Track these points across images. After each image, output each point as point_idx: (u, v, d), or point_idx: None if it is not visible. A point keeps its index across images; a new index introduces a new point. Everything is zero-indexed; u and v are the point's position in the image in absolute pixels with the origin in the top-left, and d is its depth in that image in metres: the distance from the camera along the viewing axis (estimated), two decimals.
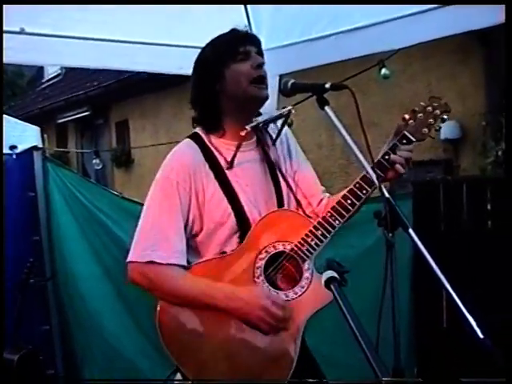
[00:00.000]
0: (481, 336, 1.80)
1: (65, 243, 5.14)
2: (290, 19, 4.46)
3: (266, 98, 2.70)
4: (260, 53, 2.73)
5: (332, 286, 1.92)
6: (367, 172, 2.34)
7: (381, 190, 2.14)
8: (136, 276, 2.60)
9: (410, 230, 2.00)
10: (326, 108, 2.37)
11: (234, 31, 2.74)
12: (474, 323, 1.83)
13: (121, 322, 5.12)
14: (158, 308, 2.58)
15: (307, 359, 2.71)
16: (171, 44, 4.54)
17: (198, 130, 2.76)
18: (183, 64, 4.43)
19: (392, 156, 2.59)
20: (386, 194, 2.10)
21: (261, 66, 2.66)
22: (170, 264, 2.55)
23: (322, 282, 1.96)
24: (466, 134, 8.78)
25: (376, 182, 2.28)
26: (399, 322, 1.92)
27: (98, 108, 16.68)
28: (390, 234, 1.97)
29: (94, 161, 15.77)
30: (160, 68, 4.87)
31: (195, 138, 2.73)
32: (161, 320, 2.56)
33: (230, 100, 2.67)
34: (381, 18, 4.05)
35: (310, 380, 2.69)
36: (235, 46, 2.65)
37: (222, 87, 2.65)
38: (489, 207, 4.34)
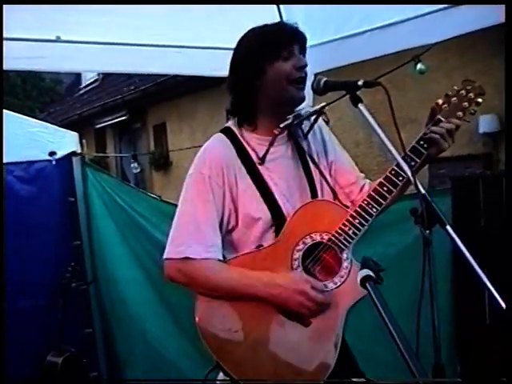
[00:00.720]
0: None
1: (105, 247, 5.19)
2: (323, 17, 4.44)
3: (304, 99, 2.68)
4: (304, 50, 2.70)
5: (368, 285, 1.90)
6: (400, 165, 2.33)
7: (416, 186, 2.13)
8: (173, 273, 2.61)
9: (448, 227, 1.98)
10: (360, 105, 2.36)
11: (281, 25, 2.73)
12: None
13: (163, 325, 5.14)
14: (196, 305, 2.58)
15: (345, 353, 2.68)
16: (205, 46, 4.56)
17: (230, 124, 2.76)
18: (217, 66, 4.45)
19: (432, 128, 2.57)
20: (422, 191, 2.08)
21: (303, 67, 2.63)
22: (206, 258, 2.55)
23: (358, 281, 1.94)
24: (505, 127, 8.68)
25: (409, 173, 2.27)
26: (439, 319, 1.90)
27: (136, 112, 16.76)
28: (427, 231, 1.95)
29: (132, 165, 15.87)
30: (195, 71, 4.90)
31: (227, 132, 2.72)
32: (199, 317, 2.57)
33: (266, 96, 2.65)
34: (414, 13, 4.02)
35: (355, 380, 2.68)
36: (281, 44, 2.61)
37: (261, 83, 2.63)
38: None
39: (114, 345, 5.27)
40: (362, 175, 2.91)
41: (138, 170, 15.70)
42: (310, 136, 2.82)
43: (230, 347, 2.55)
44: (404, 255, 4.35)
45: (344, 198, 2.79)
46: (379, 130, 2.27)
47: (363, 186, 2.84)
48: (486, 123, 8.31)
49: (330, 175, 2.83)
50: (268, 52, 2.61)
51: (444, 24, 3.95)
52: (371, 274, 1.94)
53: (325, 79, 2.55)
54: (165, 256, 2.60)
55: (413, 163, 2.52)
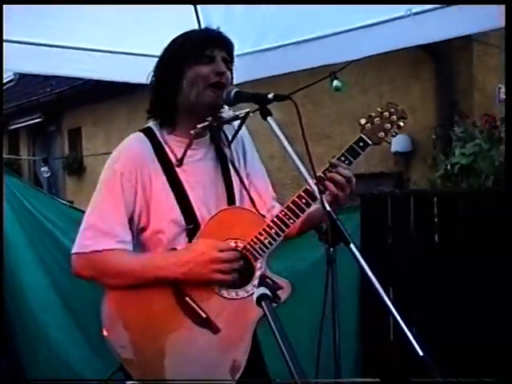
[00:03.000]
0: (420, 353, 1.80)
1: (12, 253, 5.04)
2: (241, 30, 4.43)
3: (222, 105, 2.65)
4: (229, 57, 2.69)
5: (263, 303, 1.89)
6: (308, 184, 2.34)
7: (322, 203, 2.14)
8: (80, 268, 2.58)
9: (352, 245, 2.00)
10: (269, 119, 2.36)
11: (206, 31, 2.73)
12: (413, 341, 1.82)
13: (68, 333, 5.04)
14: (104, 301, 2.55)
15: (256, 357, 2.68)
16: (122, 52, 4.50)
17: (151, 124, 2.73)
18: (134, 72, 4.39)
19: (330, 174, 2.57)
20: (328, 208, 2.10)
21: (222, 73, 2.61)
22: (114, 249, 2.54)
23: (254, 299, 1.94)
24: (417, 148, 8.89)
25: (315, 189, 2.29)
26: (343, 335, 1.92)
27: (51, 115, 16.54)
28: (332, 249, 1.96)
29: (42, 168, 15.62)
30: (111, 76, 4.82)
31: (147, 131, 2.69)
32: (106, 313, 2.54)
33: (185, 98, 2.63)
34: (332, 30, 4.07)
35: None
36: (202, 48, 2.61)
37: (180, 84, 2.63)
38: (436, 220, 4.38)
39: (17, 355, 5.14)
40: (274, 196, 2.93)
41: (49, 174, 15.49)
42: (233, 143, 2.81)
43: (135, 350, 2.52)
44: (314, 270, 4.36)
45: (260, 207, 2.77)
46: (287, 145, 2.27)
47: (273, 206, 2.86)
48: (398, 143, 8.51)
49: (248, 183, 2.83)
50: (188, 55, 2.61)
51: (361, 43, 4.01)
52: (268, 292, 1.93)
53: (236, 90, 2.55)
54: (72, 250, 2.57)
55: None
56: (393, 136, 2.70)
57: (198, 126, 2.62)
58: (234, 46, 2.73)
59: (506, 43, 2.69)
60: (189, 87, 2.61)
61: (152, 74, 2.73)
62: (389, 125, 2.67)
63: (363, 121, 2.66)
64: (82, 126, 16.00)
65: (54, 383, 4.69)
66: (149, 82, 2.73)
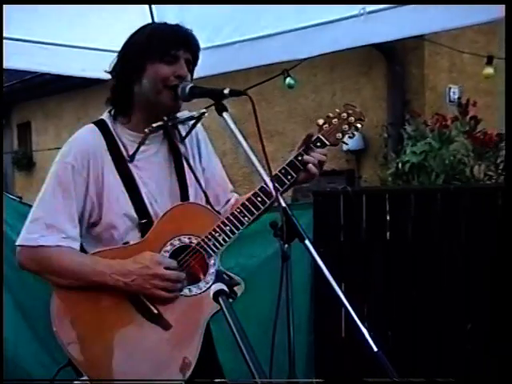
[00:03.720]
0: (375, 349, 1.81)
1: None
2: (195, 25, 4.41)
3: (178, 108, 2.63)
4: (193, 59, 2.65)
5: (220, 299, 1.89)
6: (264, 181, 2.33)
7: (278, 199, 2.14)
8: (25, 260, 2.55)
9: (307, 242, 2.00)
10: (224, 114, 2.34)
11: (176, 28, 2.65)
12: (368, 336, 1.83)
13: (16, 330, 4.97)
14: (53, 296, 2.51)
15: (209, 354, 2.68)
16: (74, 45, 4.44)
17: (104, 116, 2.68)
18: (86, 66, 4.35)
19: (305, 156, 2.61)
20: (283, 204, 2.10)
21: (183, 77, 2.57)
22: (60, 245, 2.50)
23: (210, 295, 1.93)
24: (368, 146, 8.97)
25: (271, 186, 2.26)
26: (296, 332, 1.92)
27: None
28: (286, 245, 1.96)
29: None
30: (62, 69, 4.76)
31: (100, 124, 2.65)
32: (54, 312, 2.50)
33: (142, 94, 2.60)
34: (286, 28, 4.07)
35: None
36: (168, 46, 2.56)
37: (138, 79, 2.59)
38: (387, 218, 4.43)
39: None
40: (231, 188, 2.92)
41: None
42: (186, 141, 2.78)
43: (84, 346, 2.49)
44: (265, 267, 4.38)
45: (215, 203, 2.76)
46: (243, 141, 2.26)
47: (229, 199, 2.85)
48: (349, 140, 8.56)
49: (204, 179, 2.80)
50: (152, 50, 2.56)
51: (315, 40, 4.02)
52: (224, 288, 1.93)
53: (190, 85, 2.53)
54: (17, 242, 2.53)
55: (289, 177, 2.58)
56: (350, 137, 2.72)
57: (154, 125, 2.59)
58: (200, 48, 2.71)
59: (506, 44, 2.70)
60: (148, 84, 2.58)
61: (115, 61, 2.68)
62: (346, 126, 2.69)
63: (321, 121, 2.67)
64: (32, 120, 15.80)
65: None
66: (110, 70, 2.69)
